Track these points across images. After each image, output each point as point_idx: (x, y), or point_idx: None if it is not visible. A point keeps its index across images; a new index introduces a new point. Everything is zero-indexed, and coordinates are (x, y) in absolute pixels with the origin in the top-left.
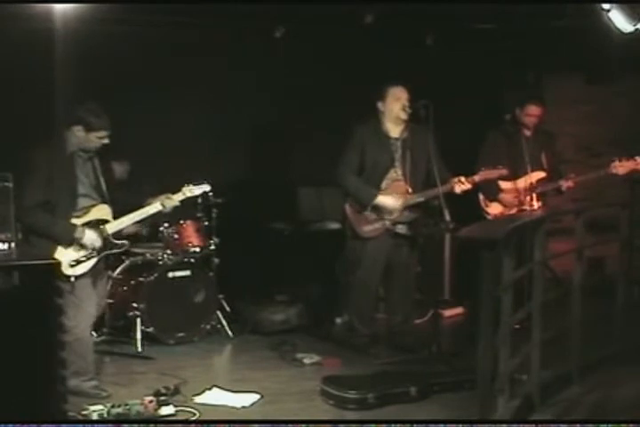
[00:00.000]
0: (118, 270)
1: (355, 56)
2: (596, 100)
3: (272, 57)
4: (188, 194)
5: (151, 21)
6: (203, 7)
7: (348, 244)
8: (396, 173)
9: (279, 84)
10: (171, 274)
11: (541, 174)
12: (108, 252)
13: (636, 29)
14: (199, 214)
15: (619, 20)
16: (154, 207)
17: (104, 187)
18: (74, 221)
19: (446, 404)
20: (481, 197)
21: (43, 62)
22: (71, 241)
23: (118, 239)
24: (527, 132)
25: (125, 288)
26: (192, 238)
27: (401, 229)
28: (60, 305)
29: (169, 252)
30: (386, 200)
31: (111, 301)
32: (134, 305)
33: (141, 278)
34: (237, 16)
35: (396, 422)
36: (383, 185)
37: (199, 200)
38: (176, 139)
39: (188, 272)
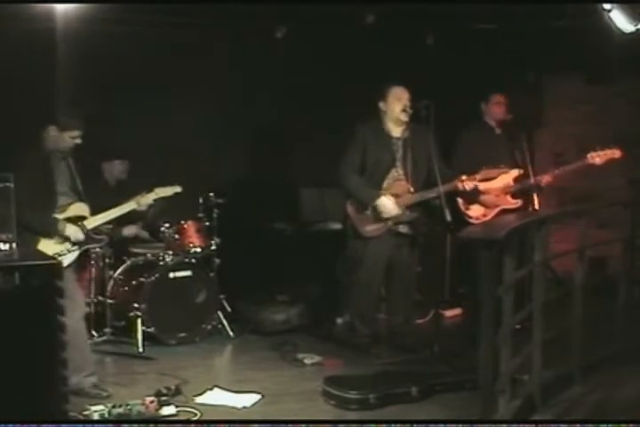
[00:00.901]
0: (119, 271)
1: (355, 56)
2: (596, 100)
3: (272, 57)
4: (161, 194)
5: (151, 21)
6: (203, 7)
7: (349, 243)
8: (397, 172)
9: (280, 84)
10: (172, 274)
11: (517, 172)
12: (89, 246)
13: (637, 29)
14: (200, 215)
15: (619, 20)
16: (128, 206)
17: (80, 186)
18: (55, 216)
19: (447, 404)
20: (460, 200)
21: (42, 62)
22: (54, 234)
23: (97, 235)
24: (497, 130)
25: (126, 288)
26: (193, 239)
27: (402, 228)
28: (61, 305)
29: (170, 252)
30: (386, 203)
31: (112, 301)
32: (135, 305)
33: (142, 279)
34: (237, 16)
35: (396, 422)
36: (384, 185)
37: (200, 200)
38: (176, 139)
39: (189, 272)
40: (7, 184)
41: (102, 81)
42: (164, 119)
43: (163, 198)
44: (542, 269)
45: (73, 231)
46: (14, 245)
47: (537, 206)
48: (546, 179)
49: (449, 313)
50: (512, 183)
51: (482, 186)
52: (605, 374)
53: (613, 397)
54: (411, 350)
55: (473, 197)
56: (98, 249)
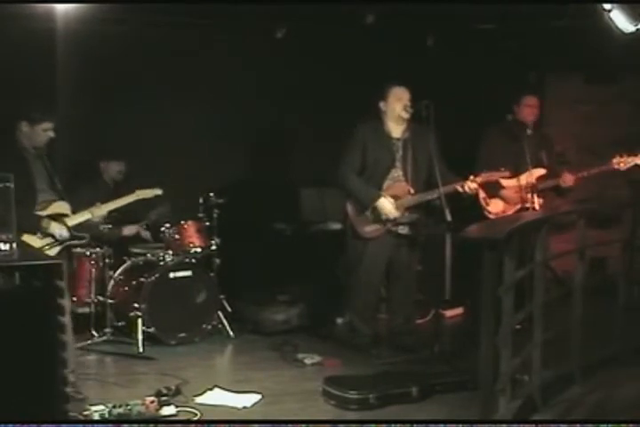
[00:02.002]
0: (119, 271)
1: (355, 56)
2: (596, 100)
3: (273, 57)
4: (142, 196)
5: (151, 21)
6: (203, 7)
7: (349, 244)
8: (397, 173)
9: (280, 84)
10: (172, 274)
11: (542, 171)
12: (70, 242)
13: (637, 29)
14: (200, 215)
15: (620, 20)
16: (114, 204)
17: (59, 184)
18: (37, 213)
19: (447, 404)
20: (481, 194)
21: (42, 62)
22: (36, 230)
23: (79, 233)
24: (528, 131)
25: (127, 288)
26: (193, 239)
27: (402, 229)
28: (62, 305)
29: (170, 252)
30: (385, 205)
31: (112, 301)
32: (135, 305)
33: (142, 279)
34: (237, 16)
35: (396, 422)
36: (384, 185)
37: (200, 201)
38: (176, 139)
39: (189, 272)
40: (7, 184)
41: (102, 81)
42: (164, 119)
43: (142, 200)
44: (542, 269)
45: (57, 228)
46: (14, 245)
47: (537, 206)
48: (569, 180)
49: (449, 313)
50: (535, 182)
51: (504, 182)
52: (605, 374)
53: (613, 397)
54: (411, 350)
55: (495, 191)
56: (98, 249)
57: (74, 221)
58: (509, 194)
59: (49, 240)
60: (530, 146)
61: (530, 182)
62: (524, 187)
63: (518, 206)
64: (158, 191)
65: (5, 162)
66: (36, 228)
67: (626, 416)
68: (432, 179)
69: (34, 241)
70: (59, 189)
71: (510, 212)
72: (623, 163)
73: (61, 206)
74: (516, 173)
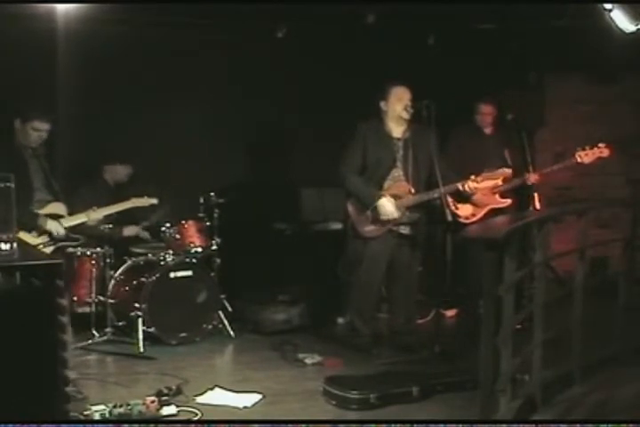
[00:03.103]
0: (120, 270)
1: (356, 56)
2: (596, 100)
3: (273, 57)
4: (137, 204)
5: (151, 21)
6: (203, 7)
7: (349, 244)
8: (397, 173)
9: (280, 84)
10: (172, 274)
11: (508, 172)
12: (64, 243)
13: (638, 29)
14: (201, 214)
15: (620, 19)
16: (111, 208)
17: (55, 185)
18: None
19: (448, 404)
20: (449, 199)
21: (42, 62)
22: (32, 228)
23: (74, 234)
24: (487, 130)
25: (127, 288)
26: (194, 238)
27: (403, 229)
28: (62, 305)
29: (171, 252)
30: (386, 205)
31: (113, 301)
32: (136, 305)
33: (143, 279)
34: (237, 16)
35: (396, 422)
36: (385, 185)
37: (201, 200)
38: (177, 139)
39: (189, 272)
40: (7, 184)
41: (102, 81)
42: (164, 119)
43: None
44: (543, 269)
45: (54, 226)
46: (15, 245)
47: (537, 206)
48: (533, 177)
49: (449, 313)
50: (500, 182)
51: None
52: (605, 374)
53: (613, 397)
54: (411, 349)
55: (462, 196)
56: (99, 249)
57: (69, 222)
58: (476, 197)
59: (44, 239)
60: (492, 146)
61: (494, 183)
62: (489, 188)
63: (487, 208)
64: (154, 201)
65: (3, 159)
66: (33, 225)
67: (626, 416)
68: (433, 178)
69: (29, 239)
70: (55, 190)
71: (480, 214)
72: (587, 156)
73: (57, 207)
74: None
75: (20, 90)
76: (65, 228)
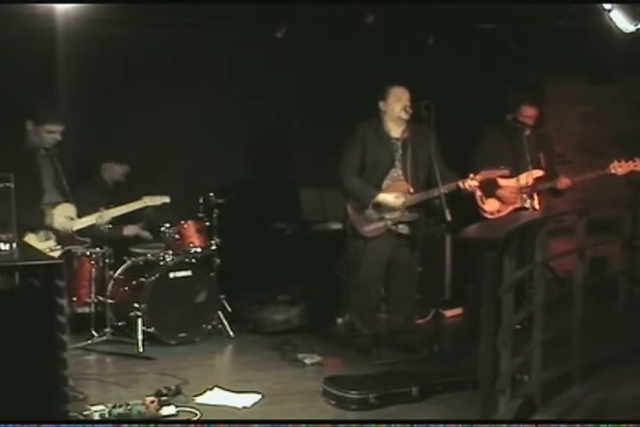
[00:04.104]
0: (119, 271)
1: (355, 56)
2: (596, 100)
3: (273, 57)
4: (149, 203)
5: (151, 22)
6: (203, 7)
7: (349, 244)
8: (396, 172)
9: (280, 83)
10: (172, 274)
11: (540, 172)
12: (71, 247)
13: (638, 29)
14: (200, 215)
15: (620, 19)
16: (122, 209)
17: (66, 186)
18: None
19: (447, 404)
20: (478, 193)
21: (42, 62)
22: (40, 228)
23: (81, 237)
24: (527, 131)
25: (127, 288)
26: (193, 239)
27: (402, 229)
28: (62, 305)
29: (170, 252)
30: (387, 198)
31: (112, 301)
32: (135, 305)
33: (143, 279)
34: (237, 16)
35: (396, 422)
36: (384, 185)
37: (200, 201)
38: (177, 139)
39: (189, 272)
40: (7, 184)
41: (102, 81)
42: (164, 119)
43: (147, 207)
44: (542, 269)
45: (62, 222)
46: (14, 245)
47: (537, 206)
48: (565, 182)
49: (449, 313)
50: (533, 183)
51: (502, 182)
52: (605, 374)
53: (613, 397)
54: (411, 349)
55: (492, 191)
56: (98, 249)
57: (78, 225)
58: (505, 194)
59: (51, 243)
60: (528, 146)
61: (527, 183)
62: (520, 187)
63: (514, 206)
64: (166, 199)
65: (15, 160)
66: (41, 224)
67: (626, 416)
68: (432, 178)
69: (37, 243)
70: (65, 191)
71: (505, 211)
72: (621, 168)
73: (67, 209)
74: (513, 174)
75: (23, 90)
76: (74, 231)
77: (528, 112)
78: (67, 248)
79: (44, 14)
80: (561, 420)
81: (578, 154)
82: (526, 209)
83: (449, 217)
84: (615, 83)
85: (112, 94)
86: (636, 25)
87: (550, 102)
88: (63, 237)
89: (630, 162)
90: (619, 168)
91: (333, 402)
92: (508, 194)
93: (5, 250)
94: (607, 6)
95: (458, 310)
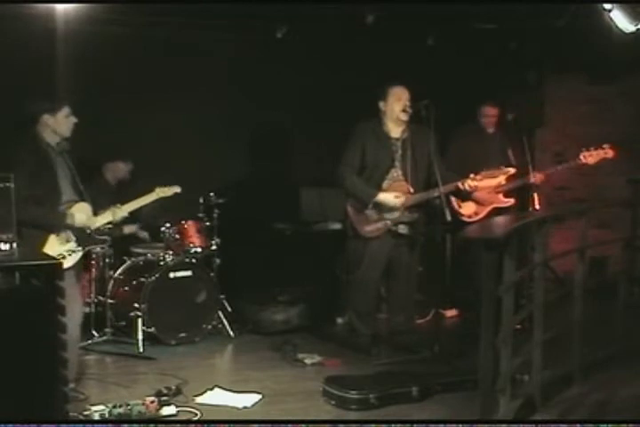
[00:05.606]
0: (120, 270)
1: (355, 56)
2: (596, 100)
3: (273, 57)
4: (161, 194)
5: (151, 22)
6: (203, 7)
7: (349, 244)
8: (396, 173)
9: (280, 83)
10: (172, 274)
11: (511, 170)
12: (92, 246)
13: (638, 29)
14: (200, 215)
15: (620, 19)
16: (137, 203)
17: (80, 184)
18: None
19: (447, 404)
20: (452, 198)
21: (42, 63)
22: (62, 227)
23: (100, 236)
24: (490, 130)
25: (127, 288)
26: (193, 239)
27: (402, 229)
28: (62, 305)
29: (170, 252)
30: (387, 198)
31: (112, 301)
32: (135, 305)
33: (143, 279)
34: (237, 16)
35: (396, 422)
36: (384, 185)
37: (201, 200)
38: (177, 139)
39: (189, 272)
40: (7, 184)
41: (102, 81)
42: (164, 119)
43: (163, 199)
44: (542, 269)
45: (83, 219)
46: (14, 245)
47: (537, 206)
48: (538, 177)
49: (449, 313)
50: (504, 182)
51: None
52: (605, 374)
53: (613, 397)
54: (411, 350)
55: (466, 194)
56: (98, 249)
57: (97, 223)
58: (480, 195)
59: (72, 245)
60: (493, 145)
61: (498, 182)
62: (493, 187)
63: (492, 206)
64: (177, 189)
65: (30, 160)
66: (62, 225)
67: (626, 416)
68: (432, 179)
69: (55, 248)
70: (80, 189)
71: (484, 213)
72: (591, 157)
73: (84, 208)
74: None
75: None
76: (92, 230)
77: (489, 112)
78: (87, 248)
79: (44, 14)
80: (561, 420)
81: (578, 154)
82: (505, 208)
83: (449, 217)
84: (615, 83)
85: (112, 94)
86: (636, 25)
87: (550, 102)
88: (83, 238)
89: (600, 150)
90: (589, 157)
91: (333, 402)
92: (484, 195)
93: (5, 250)
94: (607, 6)
95: (458, 310)
